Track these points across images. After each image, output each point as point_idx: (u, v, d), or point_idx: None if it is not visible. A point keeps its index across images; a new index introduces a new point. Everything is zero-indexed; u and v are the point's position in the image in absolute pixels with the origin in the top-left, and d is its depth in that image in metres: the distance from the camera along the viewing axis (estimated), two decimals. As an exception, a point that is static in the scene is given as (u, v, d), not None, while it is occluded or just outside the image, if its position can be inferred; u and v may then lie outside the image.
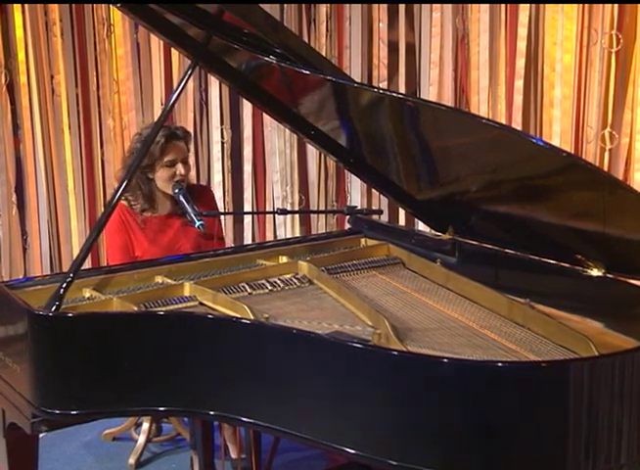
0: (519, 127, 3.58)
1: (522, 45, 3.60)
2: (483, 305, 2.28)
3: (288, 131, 4.07)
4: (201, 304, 2.31)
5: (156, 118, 4.27)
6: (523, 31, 3.59)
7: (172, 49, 4.13)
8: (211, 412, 2.04)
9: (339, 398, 1.84)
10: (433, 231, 2.72)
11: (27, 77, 4.46)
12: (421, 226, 3.19)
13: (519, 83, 3.63)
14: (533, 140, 2.06)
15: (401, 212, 3.96)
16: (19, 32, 4.42)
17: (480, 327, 2.15)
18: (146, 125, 3.17)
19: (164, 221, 3.01)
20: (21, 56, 4.44)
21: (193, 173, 4.05)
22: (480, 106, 3.77)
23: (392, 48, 4.01)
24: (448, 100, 3.85)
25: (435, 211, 2.66)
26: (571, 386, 1.71)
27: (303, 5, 4.16)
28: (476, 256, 2.50)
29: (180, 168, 2.91)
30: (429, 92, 3.90)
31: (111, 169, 4.50)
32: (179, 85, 2.44)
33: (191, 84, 4.26)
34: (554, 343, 2.01)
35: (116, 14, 4.40)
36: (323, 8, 4.12)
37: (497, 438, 1.72)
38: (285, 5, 4.13)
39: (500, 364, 1.76)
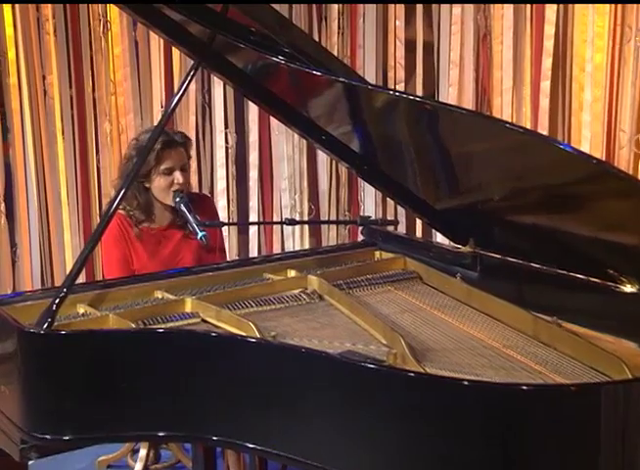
0: (545, 132, 3.59)
1: (549, 43, 3.61)
2: (507, 323, 2.28)
3: (296, 136, 4.08)
4: (203, 321, 2.32)
5: (155, 122, 4.30)
6: (550, 29, 3.60)
7: (173, 48, 4.15)
8: (214, 437, 2.05)
9: (351, 422, 1.84)
10: (452, 243, 2.73)
11: (18, 78, 4.48)
12: (439, 238, 3.19)
13: (545, 85, 3.64)
14: (561, 146, 2.06)
15: (418, 223, 3.97)
16: (8, 30, 4.43)
17: (504, 347, 2.15)
18: (144, 130, 3.19)
19: (164, 233, 3.03)
20: (11, 55, 4.45)
21: (194, 180, 4.09)
22: (503, 109, 3.77)
23: (409, 47, 4.03)
24: (469, 102, 3.86)
25: (455, 222, 2.67)
26: (602, 411, 1.71)
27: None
28: (498, 270, 2.50)
29: (178, 177, 2.92)
30: (448, 94, 3.91)
31: (107, 177, 4.51)
32: (181, 87, 2.46)
33: (193, 85, 4.28)
34: (583, 364, 2.01)
35: (113, 10, 4.42)
36: (335, 4, 4.14)
37: (522, 467, 1.72)
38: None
39: (525, 387, 1.76)
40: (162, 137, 2.90)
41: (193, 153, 4.32)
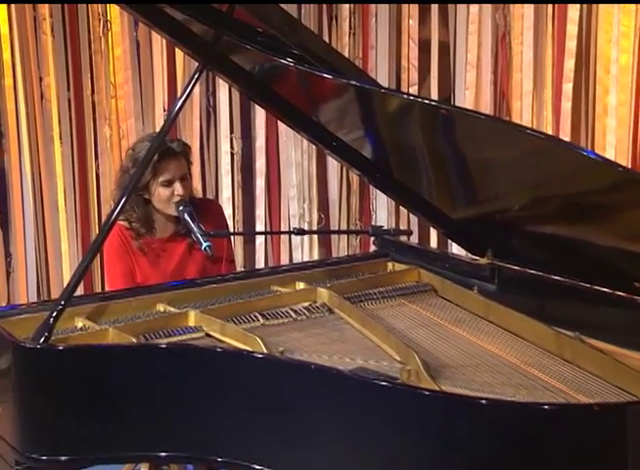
0: (567, 138, 3.60)
1: (571, 44, 3.62)
2: (527, 338, 2.29)
3: (305, 141, 4.10)
4: (207, 335, 2.33)
5: (157, 127, 4.32)
6: (573, 28, 3.61)
7: (176, 49, 4.17)
8: (219, 459, 2.06)
9: (362, 443, 1.85)
10: (469, 254, 2.73)
11: (13, 80, 4.47)
12: (455, 249, 3.20)
13: (567, 87, 3.64)
14: (584, 152, 2.07)
15: (433, 233, 3.97)
16: (3, 29, 4.42)
17: (524, 364, 2.15)
18: (140, 139, 3.14)
19: (166, 245, 3.01)
20: (6, 55, 4.44)
21: (199, 188, 4.09)
22: (522, 113, 3.78)
23: (424, 48, 4.05)
24: (487, 106, 3.87)
25: (472, 232, 2.67)
26: (628, 432, 1.70)
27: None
28: (518, 282, 2.51)
29: (178, 188, 2.90)
30: (465, 97, 3.92)
31: (106, 184, 4.51)
32: (185, 91, 2.47)
33: (197, 88, 4.29)
34: (608, 383, 2.01)
35: (114, 9, 4.43)
36: (346, 4, 4.15)
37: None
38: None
39: (547, 407, 1.76)
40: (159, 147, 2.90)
41: (196, 160, 4.40)
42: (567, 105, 3.65)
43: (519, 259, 2.50)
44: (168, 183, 2.91)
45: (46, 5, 4.45)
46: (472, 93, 3.90)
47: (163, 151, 2.86)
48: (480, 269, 2.62)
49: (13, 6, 4.40)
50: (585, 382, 2.03)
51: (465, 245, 2.76)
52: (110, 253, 2.96)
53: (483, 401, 1.76)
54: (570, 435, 1.72)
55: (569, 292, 2.35)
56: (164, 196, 2.91)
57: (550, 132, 3.63)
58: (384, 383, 1.88)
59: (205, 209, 3.03)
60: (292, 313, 2.47)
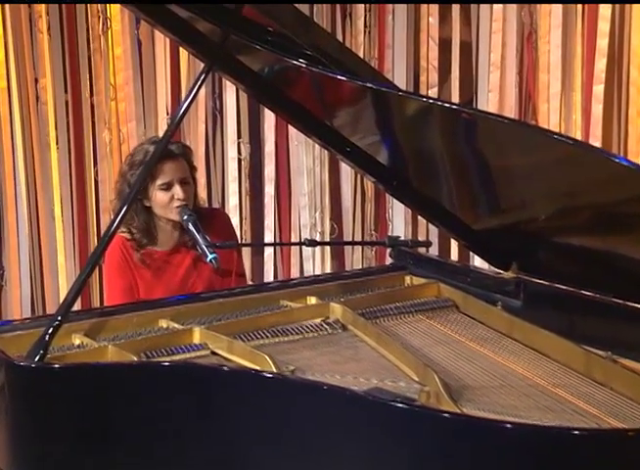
0: (598, 143, 3.59)
1: (603, 42, 3.61)
2: (555, 358, 2.28)
3: (317, 147, 4.10)
4: (213, 353, 2.33)
5: (160, 131, 4.33)
6: (604, 26, 3.60)
7: (181, 48, 4.19)
8: (224, 485, 2.06)
9: (379, 467, 1.85)
10: (492, 268, 2.73)
11: (7, 81, 4.51)
12: (478, 262, 3.19)
13: (598, 89, 3.64)
14: (616, 159, 2.07)
15: (454, 245, 3.97)
16: (-3, 27, 4.49)
17: (552, 385, 2.15)
18: (140, 144, 3.13)
19: (170, 258, 3.02)
20: (-1, 55, 4.51)
21: (204, 196, 4.10)
22: (550, 116, 3.78)
23: (444, 47, 4.05)
24: (511, 109, 3.87)
25: (496, 244, 2.67)
26: (664, 459, 1.70)
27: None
28: (545, 298, 2.50)
29: (178, 191, 2.91)
30: (488, 100, 3.92)
31: (106, 192, 4.53)
32: (190, 93, 2.49)
33: (203, 90, 4.30)
34: (642, 406, 2.01)
35: (114, 6, 4.45)
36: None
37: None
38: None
39: (577, 432, 1.75)
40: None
41: (202, 166, 4.42)
42: (597, 108, 3.65)
43: (546, 273, 2.50)
44: (167, 186, 2.91)
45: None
46: (495, 95, 3.90)
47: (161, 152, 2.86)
48: (504, 284, 2.62)
49: (6, 3, 4.42)
50: (617, 405, 2.02)
51: (488, 257, 2.76)
52: (110, 267, 2.97)
53: (509, 426, 1.76)
54: (601, 462, 1.71)
55: (600, 308, 2.35)
56: (163, 201, 2.92)
57: (579, 137, 3.63)
58: (401, 405, 1.88)
59: (210, 218, 3.04)
60: (303, 330, 2.47)
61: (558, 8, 3.71)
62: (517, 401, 2.05)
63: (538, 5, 3.77)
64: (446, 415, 1.85)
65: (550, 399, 2.07)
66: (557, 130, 3.67)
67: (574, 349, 2.24)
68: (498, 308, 2.56)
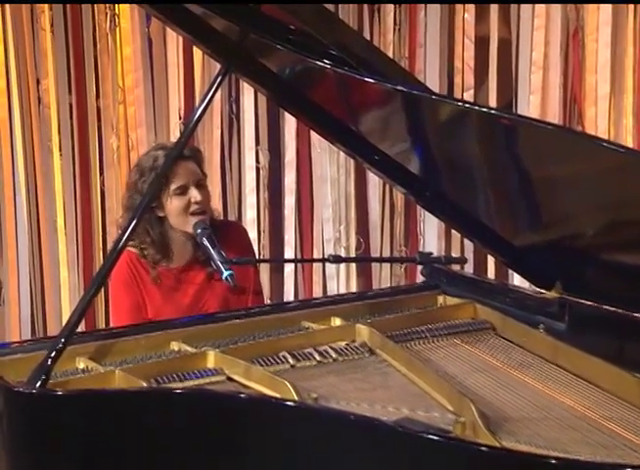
0: (651, 150, 3.58)
1: (656, 40, 3.61)
2: (604, 387, 2.27)
3: (342, 155, 4.11)
4: (229, 379, 2.33)
5: (172, 138, 4.35)
6: (658, 22, 3.61)
7: (195, 48, 4.21)
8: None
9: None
10: (533, 287, 2.73)
11: (7, 82, 4.54)
12: (517, 280, 3.19)
13: (651, 91, 3.64)
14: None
15: (491, 262, 3.96)
16: (-4, 23, 4.52)
17: (602, 418, 2.14)
18: (147, 152, 3.14)
19: (183, 275, 3.03)
20: (-2, 54, 4.54)
21: (219, 208, 4.11)
22: (597, 121, 3.77)
23: (481, 46, 4.06)
24: (555, 114, 3.87)
25: (537, 261, 2.67)
26: None
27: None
28: (592, 320, 2.49)
29: (195, 194, 2.93)
30: (529, 103, 3.92)
31: (113, 202, 4.55)
32: (205, 97, 2.51)
33: (218, 93, 4.31)
34: (702, 440, 2.00)
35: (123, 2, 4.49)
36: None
37: None
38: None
39: None
40: (164, 152, 2.93)
41: (217, 175, 4.44)
42: (650, 111, 3.65)
43: (593, 294, 2.49)
44: (182, 190, 2.93)
45: (45, -3, 4.52)
46: (537, 98, 3.90)
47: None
48: (546, 305, 2.61)
49: (7, -2, 4.47)
50: (676, 440, 2.02)
51: (529, 275, 2.76)
52: (116, 283, 2.99)
53: (553, 461, 1.75)
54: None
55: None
56: (180, 207, 2.93)
57: (631, 144, 3.62)
58: (434, 437, 1.87)
59: (226, 232, 3.05)
60: (326, 354, 2.47)
61: (607, 4, 3.69)
62: (562, 435, 2.04)
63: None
64: (484, 449, 1.84)
65: (599, 433, 2.06)
66: (605, 137, 3.67)
67: (626, 377, 2.23)
68: (540, 332, 2.56)
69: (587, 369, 2.33)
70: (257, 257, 4.27)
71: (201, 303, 3.03)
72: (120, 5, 4.49)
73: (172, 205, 2.93)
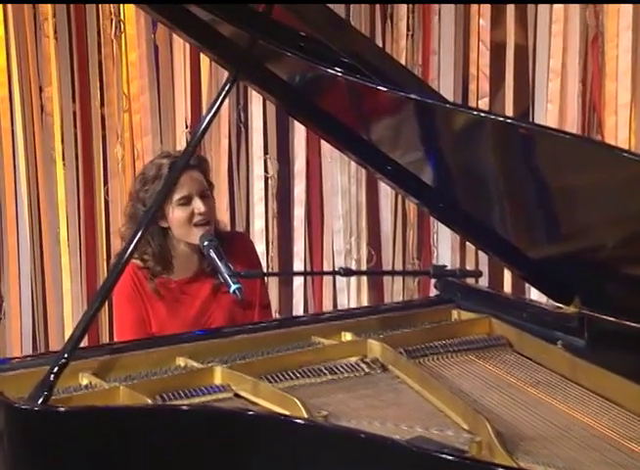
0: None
1: (679, 46, 3.61)
2: (625, 406, 2.26)
3: (354, 164, 4.12)
4: (236, 395, 2.33)
5: (178, 146, 4.36)
6: (682, 27, 3.61)
7: (202, 54, 4.22)
8: None
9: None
10: (551, 302, 2.72)
11: (9, 89, 4.56)
12: (534, 294, 3.18)
13: (674, 99, 3.64)
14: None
15: (507, 275, 3.96)
16: (-2, 29, 4.54)
17: (622, 437, 2.12)
18: (152, 161, 3.14)
19: (188, 287, 3.04)
20: (1, 61, 4.53)
21: (226, 219, 4.12)
22: (618, 130, 3.77)
23: (497, 52, 4.06)
24: (573, 123, 3.86)
25: (555, 275, 2.66)
26: None
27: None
28: (613, 336, 2.48)
29: (199, 205, 2.94)
30: (546, 112, 3.92)
31: (117, 212, 4.55)
32: (213, 105, 2.51)
33: (226, 101, 4.32)
34: None
35: (128, 7, 4.50)
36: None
37: None
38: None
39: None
40: (169, 160, 2.95)
41: (224, 185, 4.44)
42: (673, 120, 3.64)
43: (613, 309, 2.48)
44: (186, 201, 2.94)
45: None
46: (555, 107, 3.90)
47: (175, 164, 2.88)
48: (565, 320, 2.61)
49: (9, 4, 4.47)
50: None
51: (546, 290, 2.75)
52: (120, 297, 3.00)
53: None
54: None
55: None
56: (183, 218, 2.94)
57: (652, 154, 3.61)
58: (449, 457, 1.87)
59: (232, 243, 3.05)
60: (337, 370, 2.47)
61: (628, 7, 3.69)
62: (581, 455, 2.03)
63: (605, 5, 3.76)
64: (500, 469, 1.84)
65: (619, 453, 2.05)
66: (626, 146, 3.66)
67: (647, 395, 2.23)
68: (558, 348, 2.55)
69: (607, 387, 2.32)
70: (266, 269, 4.29)
71: (206, 316, 3.03)
72: (126, 11, 4.52)
73: (175, 215, 2.94)
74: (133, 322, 3.00)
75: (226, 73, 2.68)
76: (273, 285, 4.43)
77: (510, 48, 4.03)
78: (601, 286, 2.51)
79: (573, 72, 3.87)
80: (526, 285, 3.38)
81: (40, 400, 2.15)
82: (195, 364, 2.47)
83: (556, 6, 3.86)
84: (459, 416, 2.20)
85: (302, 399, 2.20)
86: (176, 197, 2.92)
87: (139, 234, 2.47)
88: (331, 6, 2.53)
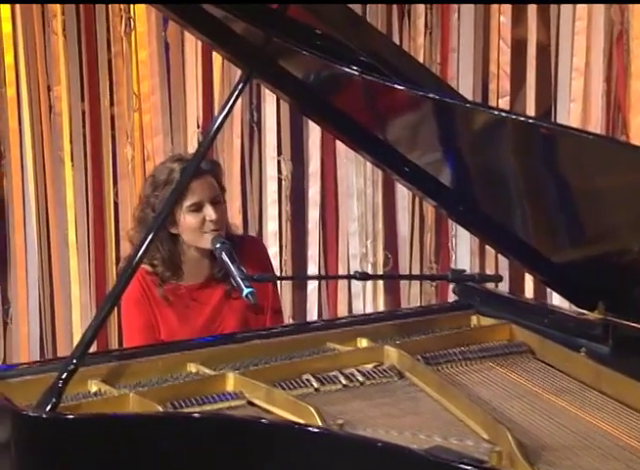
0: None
1: None
2: (651, 415, 2.26)
3: (370, 165, 4.12)
4: (249, 403, 2.33)
5: (189, 147, 4.36)
6: None
7: (214, 53, 4.23)
8: None
9: None
10: (574, 307, 2.71)
11: (17, 89, 4.58)
12: (557, 300, 3.17)
13: (702, 99, 3.62)
14: None
15: (528, 280, 3.95)
16: (6, 27, 4.52)
17: (646, 447, 2.13)
18: (163, 162, 3.14)
19: (199, 292, 3.05)
20: (8, 59, 4.55)
21: (238, 222, 4.12)
22: (644, 131, 3.76)
23: (518, 51, 4.05)
24: (597, 123, 3.85)
25: (579, 280, 2.65)
26: None
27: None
28: (638, 344, 2.47)
29: (210, 212, 2.94)
30: (569, 111, 3.91)
31: (127, 214, 4.54)
32: (226, 105, 2.50)
33: (238, 100, 4.32)
34: None
35: (139, 5, 4.49)
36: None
37: None
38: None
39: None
40: (180, 165, 2.95)
41: (236, 186, 4.44)
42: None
43: (639, 315, 2.48)
44: (197, 208, 2.94)
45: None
46: (578, 106, 3.89)
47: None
48: (588, 326, 2.60)
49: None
50: None
51: (569, 295, 2.75)
52: (128, 302, 3.00)
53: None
54: None
55: None
56: (194, 224, 2.94)
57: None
58: (468, 467, 1.87)
59: (243, 247, 3.06)
60: (353, 377, 2.47)
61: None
62: (604, 465, 2.03)
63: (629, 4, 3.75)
64: (521, 480, 1.84)
65: (645, 464, 2.05)
66: (651, 147, 3.65)
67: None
68: (582, 355, 2.54)
69: (632, 395, 2.31)
70: (279, 272, 4.30)
71: (216, 323, 3.04)
72: (136, 8, 4.52)
73: (186, 221, 2.95)
74: (141, 328, 3.01)
75: (239, 72, 2.68)
76: (287, 289, 4.43)
77: (531, 46, 4.02)
78: (626, 291, 2.50)
79: (597, 71, 3.86)
80: (548, 290, 3.37)
81: (48, 408, 2.15)
82: (207, 371, 2.47)
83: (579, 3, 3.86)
84: (479, 425, 2.19)
85: (317, 407, 2.19)
86: (187, 203, 2.93)
87: (148, 239, 2.47)
88: (347, 3, 2.54)
